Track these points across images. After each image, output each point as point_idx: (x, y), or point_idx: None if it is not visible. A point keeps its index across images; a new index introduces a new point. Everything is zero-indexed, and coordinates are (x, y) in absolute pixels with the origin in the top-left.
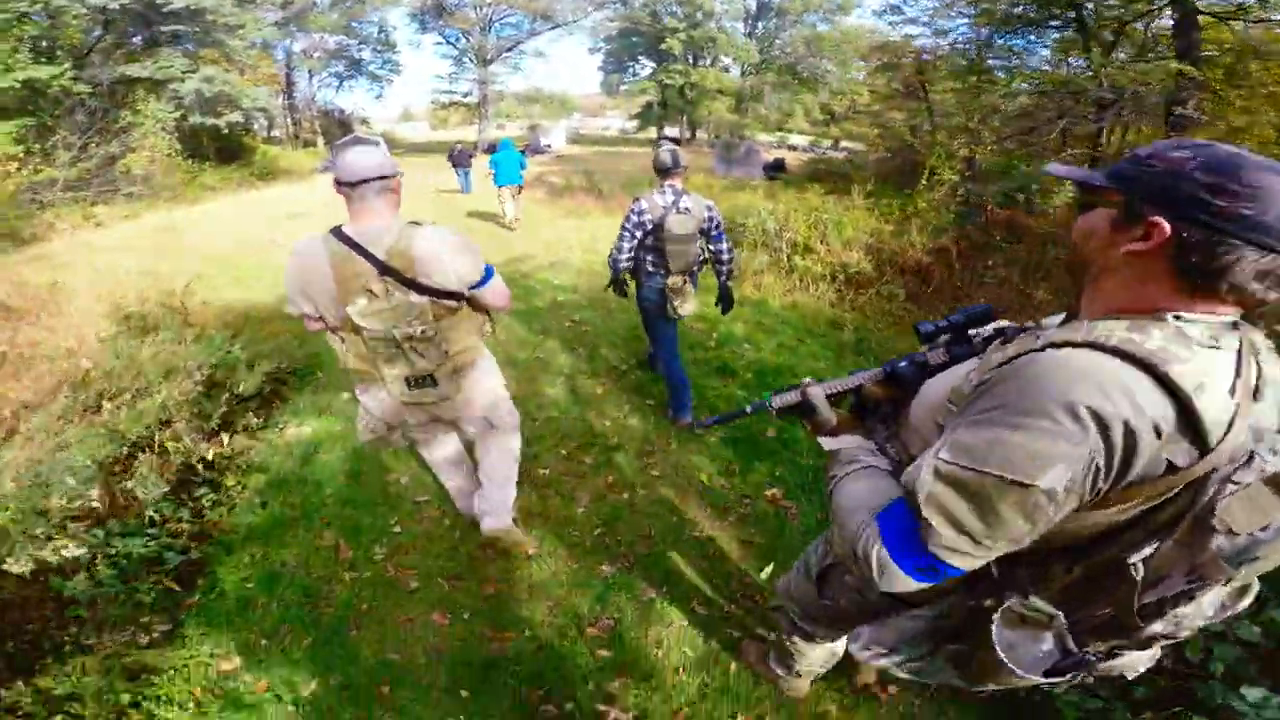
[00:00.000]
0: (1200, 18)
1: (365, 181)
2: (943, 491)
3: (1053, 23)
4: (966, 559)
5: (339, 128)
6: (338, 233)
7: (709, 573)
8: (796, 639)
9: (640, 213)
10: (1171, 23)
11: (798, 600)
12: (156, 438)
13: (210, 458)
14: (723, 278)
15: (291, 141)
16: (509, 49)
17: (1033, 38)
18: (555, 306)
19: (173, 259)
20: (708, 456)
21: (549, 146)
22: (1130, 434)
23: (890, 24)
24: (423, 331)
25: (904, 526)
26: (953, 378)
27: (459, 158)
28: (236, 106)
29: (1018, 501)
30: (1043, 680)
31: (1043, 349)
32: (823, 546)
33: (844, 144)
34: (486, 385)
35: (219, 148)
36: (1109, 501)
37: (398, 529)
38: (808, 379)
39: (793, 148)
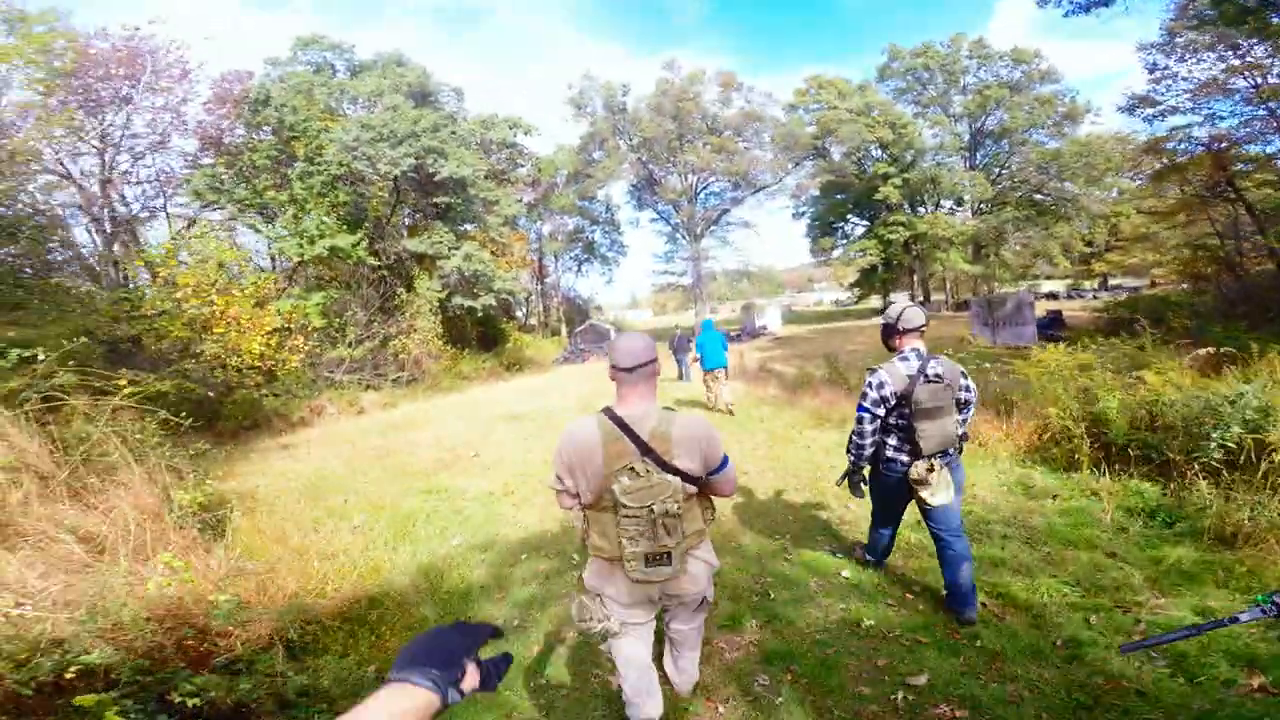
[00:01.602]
0: None
1: (640, 366)
2: None
3: None
4: None
5: (579, 314)
6: (609, 413)
7: None
8: None
9: (881, 385)
10: None
11: None
12: None
13: None
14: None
15: (541, 329)
16: (715, 220)
17: None
18: (849, 636)
19: (360, 477)
20: None
21: (764, 328)
22: None
23: (1145, 119)
24: (676, 509)
25: None
26: None
27: (679, 345)
28: (489, 288)
29: None
30: None
31: None
32: None
33: (1113, 281)
34: (708, 563)
35: (480, 333)
36: None
37: None
38: None
39: (1052, 295)
